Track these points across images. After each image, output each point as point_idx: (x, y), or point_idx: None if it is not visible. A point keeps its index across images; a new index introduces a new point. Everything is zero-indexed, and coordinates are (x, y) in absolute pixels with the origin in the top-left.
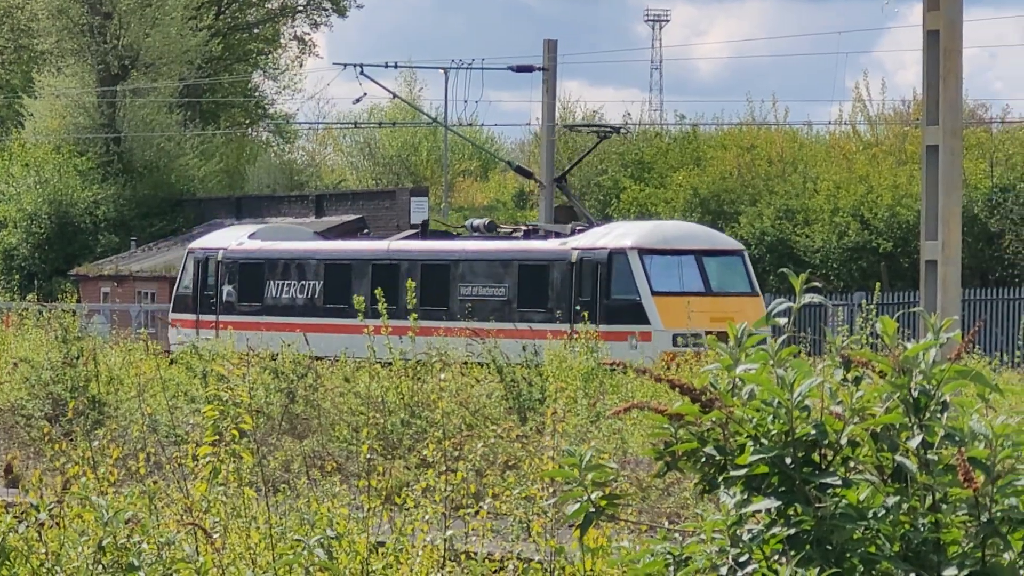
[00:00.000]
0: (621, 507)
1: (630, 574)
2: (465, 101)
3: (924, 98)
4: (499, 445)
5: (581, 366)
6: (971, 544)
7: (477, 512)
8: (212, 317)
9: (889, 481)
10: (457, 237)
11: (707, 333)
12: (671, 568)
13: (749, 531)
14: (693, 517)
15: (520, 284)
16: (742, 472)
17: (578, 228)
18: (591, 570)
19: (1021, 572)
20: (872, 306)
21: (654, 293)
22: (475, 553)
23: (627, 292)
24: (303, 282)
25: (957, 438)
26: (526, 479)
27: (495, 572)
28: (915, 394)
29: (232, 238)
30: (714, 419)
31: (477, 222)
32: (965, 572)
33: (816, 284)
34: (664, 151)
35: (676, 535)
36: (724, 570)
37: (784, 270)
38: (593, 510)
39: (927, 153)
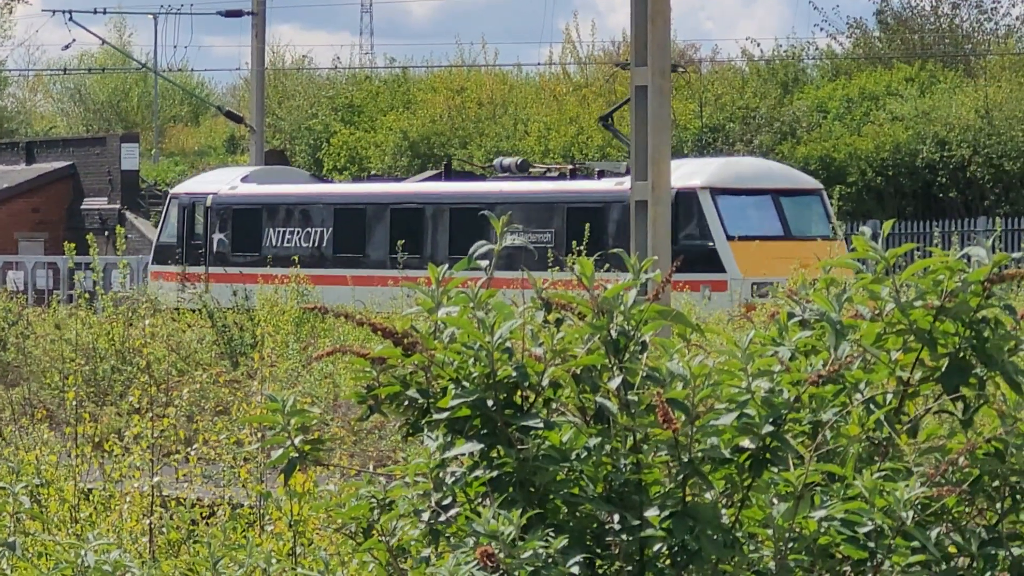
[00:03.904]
0: (330, 451)
1: (335, 518)
2: (175, 46)
3: (632, 39)
4: (209, 390)
5: (293, 310)
6: (672, 484)
7: (187, 458)
8: (201, 269)
9: (591, 423)
10: (484, 178)
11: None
12: (375, 512)
13: (452, 474)
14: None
15: (569, 229)
16: (444, 415)
17: None
18: (298, 514)
19: (723, 511)
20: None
21: (729, 238)
22: (185, 499)
23: (698, 237)
24: (309, 229)
25: (657, 378)
26: (236, 424)
27: (205, 518)
28: (614, 335)
29: (221, 181)
30: (416, 362)
31: (507, 161)
32: (667, 512)
33: (517, 226)
34: (374, 94)
35: (381, 479)
36: (427, 514)
37: (485, 213)
38: (297, 455)
39: (636, 94)
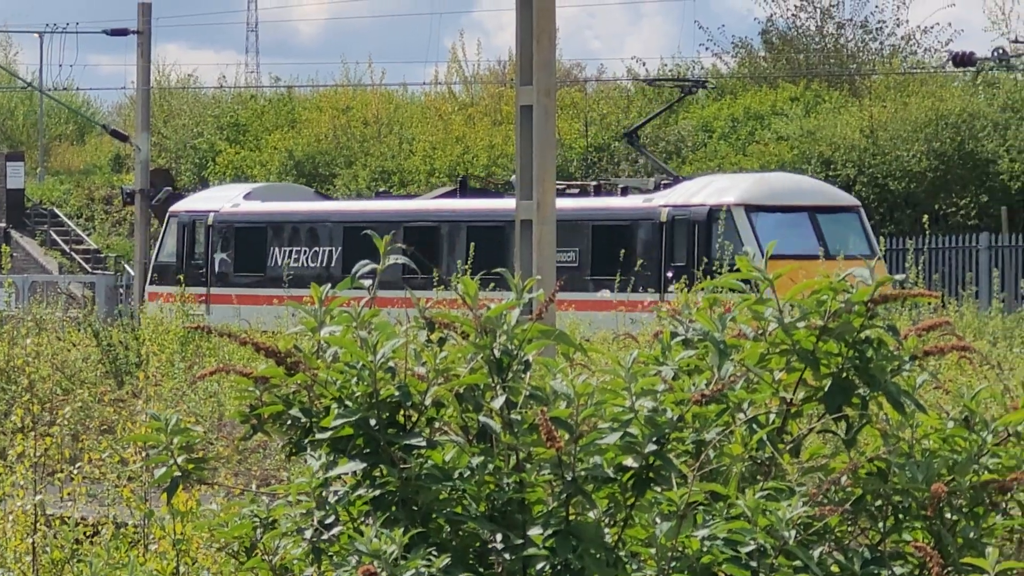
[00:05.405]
0: (214, 470)
1: (218, 537)
2: (60, 65)
3: (518, 58)
4: (94, 409)
5: (178, 329)
6: (556, 503)
7: (71, 477)
8: (202, 290)
9: (474, 442)
10: (501, 195)
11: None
12: (258, 531)
13: (335, 493)
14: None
15: (595, 248)
16: (327, 434)
17: (663, 183)
18: (182, 534)
19: (606, 530)
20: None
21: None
22: (69, 518)
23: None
24: (317, 248)
25: (541, 397)
26: (120, 443)
27: (89, 537)
28: (497, 354)
29: (223, 199)
30: (299, 382)
31: None
32: (550, 531)
33: (401, 245)
34: (259, 113)
35: (265, 498)
36: (309, 532)
37: (368, 232)
38: (180, 474)
39: (521, 113)
